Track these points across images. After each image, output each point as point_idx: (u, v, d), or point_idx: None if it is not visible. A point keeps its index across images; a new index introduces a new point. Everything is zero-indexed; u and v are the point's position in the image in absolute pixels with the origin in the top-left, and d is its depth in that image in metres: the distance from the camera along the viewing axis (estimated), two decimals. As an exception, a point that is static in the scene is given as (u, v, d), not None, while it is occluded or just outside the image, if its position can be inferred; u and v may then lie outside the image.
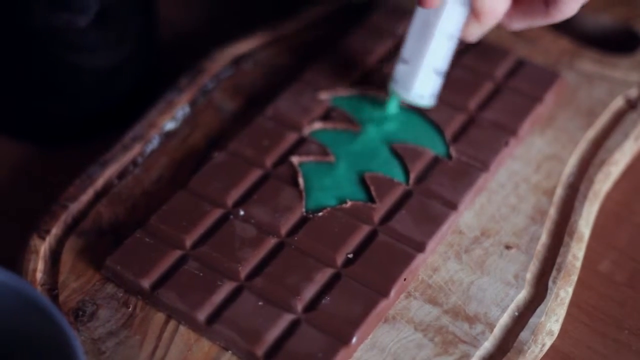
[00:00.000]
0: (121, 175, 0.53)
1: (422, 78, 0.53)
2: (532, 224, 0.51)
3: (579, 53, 0.60)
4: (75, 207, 0.51)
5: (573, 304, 0.49)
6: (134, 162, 0.54)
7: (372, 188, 0.51)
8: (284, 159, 0.53)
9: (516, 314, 0.48)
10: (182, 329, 0.46)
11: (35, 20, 0.52)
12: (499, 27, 0.55)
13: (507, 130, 0.54)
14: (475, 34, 0.53)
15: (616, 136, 0.55)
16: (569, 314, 0.49)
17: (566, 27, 0.61)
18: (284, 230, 0.49)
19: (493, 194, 0.53)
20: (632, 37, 0.62)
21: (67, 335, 0.39)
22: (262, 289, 0.47)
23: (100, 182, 0.53)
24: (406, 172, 0.52)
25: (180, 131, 0.56)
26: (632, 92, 0.58)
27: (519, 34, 0.60)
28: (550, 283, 0.48)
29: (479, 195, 0.52)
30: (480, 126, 0.55)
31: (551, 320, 0.47)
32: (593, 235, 0.52)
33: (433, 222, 0.50)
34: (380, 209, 0.50)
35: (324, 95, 0.56)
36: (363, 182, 0.52)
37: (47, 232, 0.50)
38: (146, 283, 0.47)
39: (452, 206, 0.51)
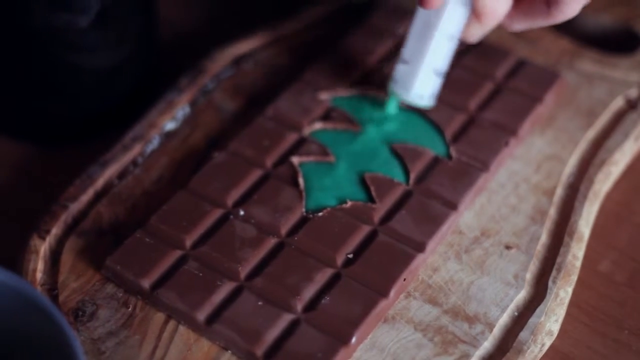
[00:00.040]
0: (121, 175, 0.53)
1: (422, 78, 0.53)
2: (532, 224, 0.51)
3: (579, 53, 0.60)
4: (75, 207, 0.51)
5: (573, 304, 0.49)
6: (134, 162, 0.54)
7: (372, 188, 0.51)
8: (284, 159, 0.53)
9: (516, 314, 0.48)
10: (182, 329, 0.46)
11: (35, 20, 0.52)
12: (499, 28, 0.55)
13: (507, 130, 0.54)
14: (476, 34, 0.53)
15: (616, 136, 0.55)
16: (568, 314, 0.49)
17: (566, 28, 0.61)
18: (284, 230, 0.49)
19: (493, 194, 0.53)
20: (632, 37, 0.62)
21: (67, 335, 0.39)
22: (262, 289, 0.47)
23: (100, 182, 0.53)
24: (406, 172, 0.52)
25: (181, 131, 0.56)
26: (632, 92, 0.58)
27: (519, 35, 0.60)
28: (550, 283, 0.48)
29: (479, 195, 0.52)
30: (480, 126, 0.55)
31: (551, 320, 0.47)
32: (593, 235, 0.52)
33: (433, 222, 0.50)
34: (380, 209, 0.50)
35: (324, 96, 0.56)
36: (363, 182, 0.52)
37: (47, 232, 0.50)
38: (146, 283, 0.47)
39: (452, 206, 0.51)
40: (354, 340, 0.45)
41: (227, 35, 0.62)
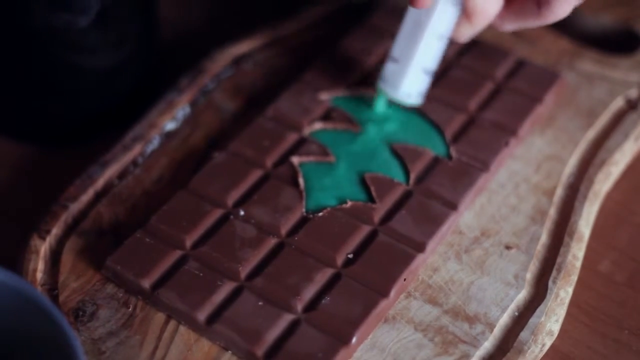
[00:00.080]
0: (121, 175, 0.53)
1: (410, 77, 0.53)
2: (532, 224, 0.51)
3: (579, 53, 0.60)
4: (75, 207, 0.51)
5: (573, 304, 0.49)
6: (134, 162, 0.54)
7: (372, 188, 0.51)
8: (284, 159, 0.53)
9: (516, 314, 0.48)
10: (182, 329, 0.46)
11: (36, 20, 0.52)
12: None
13: (507, 131, 0.54)
14: (467, 34, 0.53)
15: (616, 136, 0.55)
16: (568, 314, 0.49)
17: (566, 28, 0.61)
18: (284, 230, 0.49)
19: (493, 194, 0.53)
20: (632, 37, 0.62)
21: (67, 335, 0.39)
22: (262, 289, 0.47)
23: (100, 182, 0.53)
24: (406, 172, 0.52)
25: (181, 131, 0.56)
26: (632, 93, 0.58)
27: (519, 35, 0.60)
28: (550, 283, 0.48)
29: (479, 196, 0.52)
30: (480, 126, 0.55)
31: (551, 320, 0.47)
32: (593, 235, 0.52)
33: (433, 222, 0.50)
34: (380, 209, 0.50)
35: (324, 96, 0.56)
36: (363, 182, 0.52)
37: (48, 232, 0.50)
38: (146, 283, 0.47)
39: (452, 206, 0.51)
40: (354, 340, 0.45)
41: (227, 35, 0.62)
